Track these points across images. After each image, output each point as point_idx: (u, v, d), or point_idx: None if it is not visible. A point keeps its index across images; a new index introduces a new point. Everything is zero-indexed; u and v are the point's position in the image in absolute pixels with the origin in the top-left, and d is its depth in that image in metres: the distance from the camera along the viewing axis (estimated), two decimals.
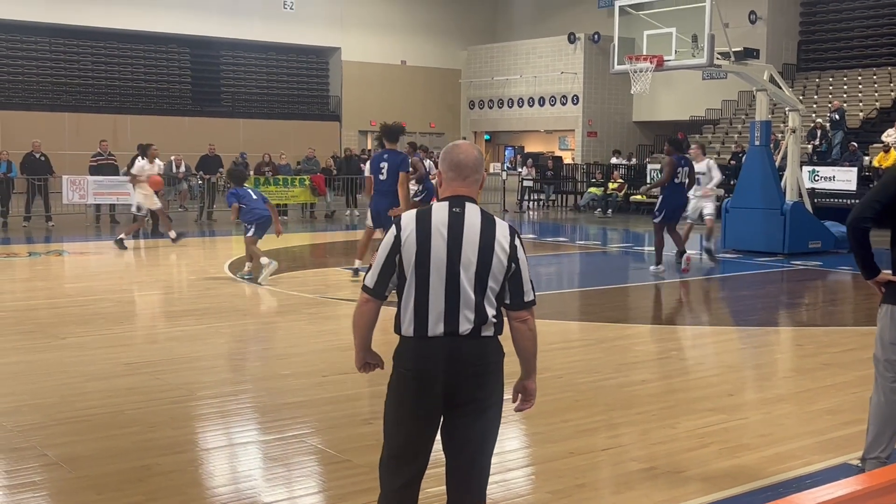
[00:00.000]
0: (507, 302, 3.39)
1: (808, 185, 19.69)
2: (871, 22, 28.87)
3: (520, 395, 3.61)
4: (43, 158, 20.39)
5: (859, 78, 28.38)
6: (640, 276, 14.28)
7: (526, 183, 27.89)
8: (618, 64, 15.42)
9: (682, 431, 5.68)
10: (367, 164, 12.22)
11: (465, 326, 3.26)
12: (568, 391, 6.63)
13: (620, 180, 26.23)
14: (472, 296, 3.26)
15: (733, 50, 14.97)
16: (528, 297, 3.41)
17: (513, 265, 3.34)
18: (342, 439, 5.50)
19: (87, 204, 20.82)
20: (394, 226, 3.34)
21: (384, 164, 11.13)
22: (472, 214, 3.32)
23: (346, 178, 23.46)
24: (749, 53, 15.56)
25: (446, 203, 3.35)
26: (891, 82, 27.38)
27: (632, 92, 15.31)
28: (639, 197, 25.51)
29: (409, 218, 3.34)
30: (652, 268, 12.91)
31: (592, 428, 5.80)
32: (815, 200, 19.05)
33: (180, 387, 6.68)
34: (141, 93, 35.18)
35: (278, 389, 6.67)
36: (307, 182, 22.86)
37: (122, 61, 35.09)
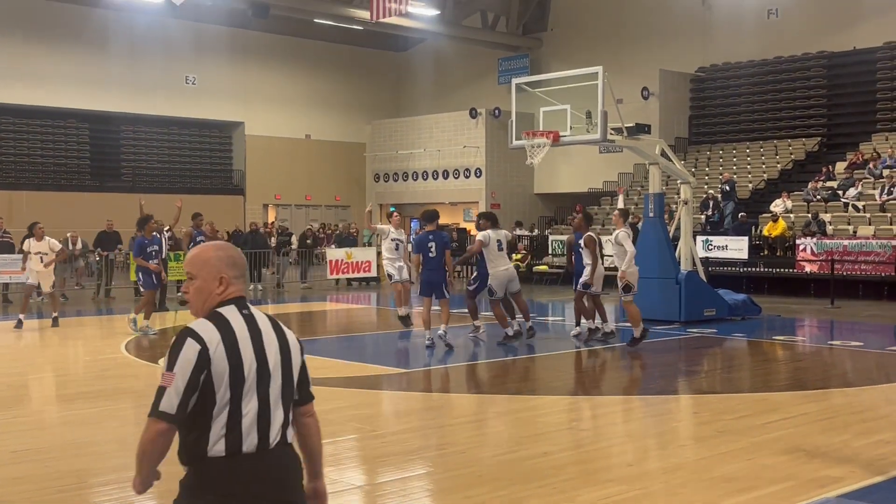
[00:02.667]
0: (296, 398, 3.20)
1: (701, 254, 20.35)
2: (756, 98, 30.36)
3: (313, 500, 3.29)
4: None
5: (747, 151, 29.69)
6: (543, 346, 14.44)
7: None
8: (516, 139, 15.80)
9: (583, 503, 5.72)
10: (413, 244, 13.62)
11: (278, 435, 3.07)
12: (471, 466, 6.62)
13: (524, 251, 26.64)
14: (281, 401, 3.09)
15: (626, 125, 15.52)
16: (311, 388, 3.29)
17: (301, 358, 3.22)
18: None
19: None
20: (193, 341, 2.99)
21: (432, 244, 12.68)
22: (259, 315, 3.15)
23: (252, 252, 23.22)
24: (641, 129, 16.15)
25: (233, 306, 3.12)
26: (777, 155, 28.71)
27: (527, 163, 15.68)
28: (542, 267, 25.93)
29: (209, 329, 3.02)
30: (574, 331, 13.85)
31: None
32: (709, 269, 19.67)
33: (71, 474, 6.43)
34: (38, 168, 34.39)
35: (175, 474, 6.48)
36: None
37: (18, 136, 34.31)
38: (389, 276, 15.57)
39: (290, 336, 3.19)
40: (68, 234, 21.81)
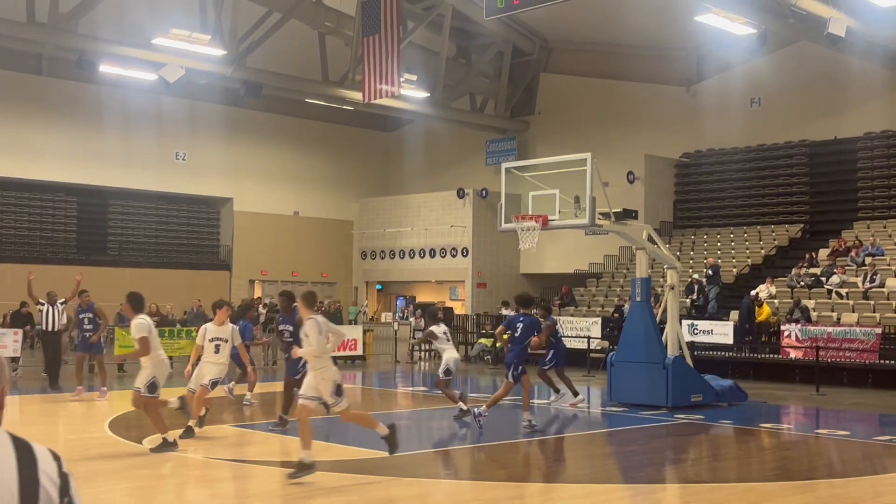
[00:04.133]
0: None
1: (687, 338, 20.41)
2: (740, 184, 30.85)
3: None
4: None
5: (732, 236, 30.04)
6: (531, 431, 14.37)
7: (417, 334, 28.00)
8: (505, 222, 15.96)
9: None
10: (504, 323, 14.49)
11: None
12: None
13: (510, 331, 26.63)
14: None
15: (613, 210, 15.72)
16: None
17: (66, 501, 2.30)
18: None
19: None
20: None
21: (520, 325, 13.38)
22: (1, 444, 2.29)
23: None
24: (628, 214, 16.36)
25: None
26: (761, 240, 29.05)
27: (520, 248, 15.81)
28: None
29: None
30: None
31: None
32: (695, 353, 19.73)
33: None
34: (24, 240, 34.38)
35: None
36: (194, 334, 22.41)
37: (5, 208, 34.37)
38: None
39: (52, 471, 2.31)
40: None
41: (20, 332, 20.43)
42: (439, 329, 14.77)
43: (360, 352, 25.45)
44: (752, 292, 24.30)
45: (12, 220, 34.39)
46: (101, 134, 34.56)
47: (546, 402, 16.26)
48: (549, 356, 16.17)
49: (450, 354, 14.47)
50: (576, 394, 16.03)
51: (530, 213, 15.28)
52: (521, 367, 13.24)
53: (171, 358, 22.32)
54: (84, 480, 9.06)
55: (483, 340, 27.13)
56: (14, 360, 20.47)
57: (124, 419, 13.61)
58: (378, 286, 41.18)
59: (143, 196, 36.93)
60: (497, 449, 12.08)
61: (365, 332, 26.55)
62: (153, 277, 34.18)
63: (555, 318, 14.95)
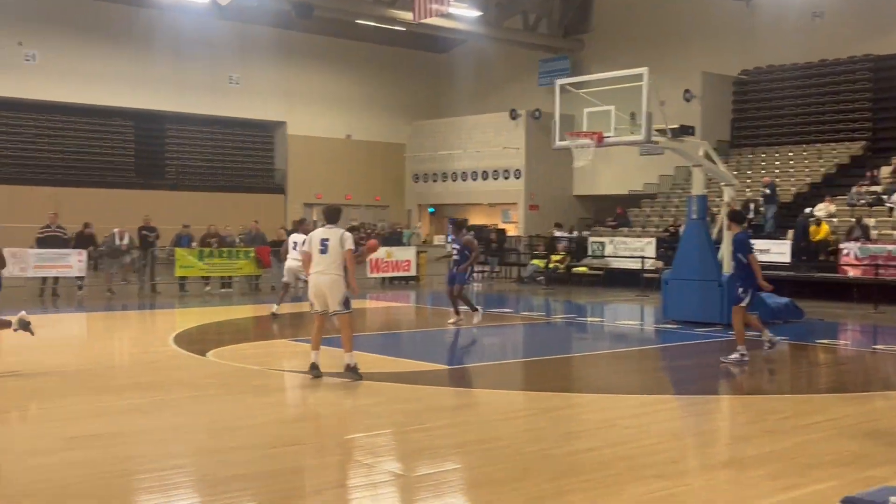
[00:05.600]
0: None
1: None
2: (800, 101, 30.09)
3: None
4: None
5: (791, 154, 29.44)
6: (582, 346, 14.52)
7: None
8: (559, 140, 15.85)
9: (628, 498, 5.80)
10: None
11: None
12: (516, 460, 6.72)
13: (563, 252, 26.65)
14: None
15: (670, 127, 15.52)
16: None
17: None
18: None
19: (27, 277, 20.54)
20: None
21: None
22: None
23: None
24: (685, 130, 16.13)
25: None
26: (821, 158, 28.44)
27: (574, 166, 15.73)
28: (581, 269, 25.93)
29: None
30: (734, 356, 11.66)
31: (541, 496, 5.88)
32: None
33: (127, 460, 6.63)
34: (84, 165, 34.99)
35: (225, 462, 6.66)
36: (252, 254, 22.84)
37: (66, 134, 34.95)
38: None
39: None
40: (115, 230, 22.16)
41: (84, 252, 20.94)
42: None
43: (413, 273, 25.69)
44: (806, 210, 23.94)
45: (73, 146, 34.99)
46: (154, 58, 34.80)
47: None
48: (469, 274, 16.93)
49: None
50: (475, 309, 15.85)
51: (585, 130, 15.15)
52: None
53: (230, 278, 22.95)
54: (154, 390, 9.42)
55: (536, 261, 27.18)
56: (79, 278, 21.08)
57: (187, 334, 14.01)
58: (430, 209, 41.29)
59: (198, 120, 37.27)
60: (551, 363, 12.23)
61: (418, 253, 26.73)
62: (210, 201, 34.69)
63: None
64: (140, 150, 36.67)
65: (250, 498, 5.77)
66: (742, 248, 11.81)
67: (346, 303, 9.79)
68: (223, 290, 22.59)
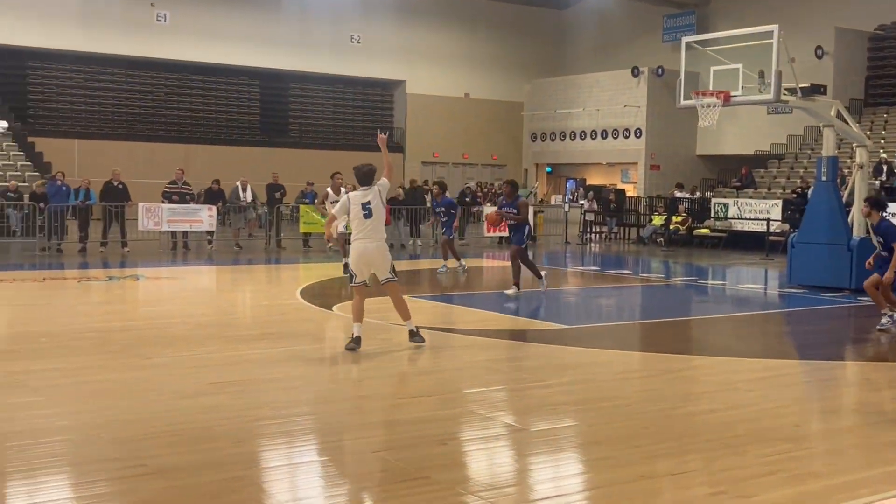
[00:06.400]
0: None
1: None
2: None
3: None
4: (121, 186, 21.13)
5: None
6: (703, 309, 14.36)
7: (588, 216, 27.99)
8: (684, 99, 15.56)
9: (750, 459, 5.81)
10: None
11: None
12: (635, 419, 6.79)
13: (684, 214, 26.21)
14: None
15: (800, 86, 15.03)
16: None
17: None
18: (419, 458, 5.74)
19: (161, 231, 21.51)
20: None
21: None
22: None
23: (411, 208, 23.83)
24: (816, 89, 15.59)
25: None
26: None
27: (700, 126, 15.44)
28: (703, 231, 25.46)
29: None
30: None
31: (661, 454, 5.94)
32: None
33: (263, 406, 6.99)
34: (212, 123, 36.21)
35: (355, 410, 6.96)
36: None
37: (194, 92, 36.21)
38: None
39: None
40: (238, 182, 22.91)
41: (214, 207, 21.77)
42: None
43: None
44: None
45: (201, 104, 36.22)
46: (280, 19, 35.60)
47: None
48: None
49: None
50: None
51: (711, 88, 14.82)
52: None
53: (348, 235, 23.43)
54: (283, 341, 9.83)
55: (656, 220, 26.80)
56: (209, 233, 21.95)
57: (312, 288, 14.49)
58: (548, 168, 41.11)
59: (321, 79, 38.03)
60: (670, 325, 12.16)
61: (536, 213, 26.71)
62: (331, 158, 35.34)
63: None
64: (265, 108, 37.70)
65: (377, 445, 6.03)
66: (893, 235, 10.80)
67: (393, 269, 9.29)
68: (348, 247, 23.12)
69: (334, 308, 12.18)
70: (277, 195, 23.11)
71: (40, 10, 31.80)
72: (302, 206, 22.87)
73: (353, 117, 39.49)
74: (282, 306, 12.59)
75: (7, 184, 23.13)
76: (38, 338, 9.65)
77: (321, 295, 13.69)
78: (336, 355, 9.20)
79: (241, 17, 35.16)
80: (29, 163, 27.39)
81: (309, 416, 6.75)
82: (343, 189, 14.84)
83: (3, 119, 28.99)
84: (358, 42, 37.98)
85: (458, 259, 17.03)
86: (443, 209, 17.63)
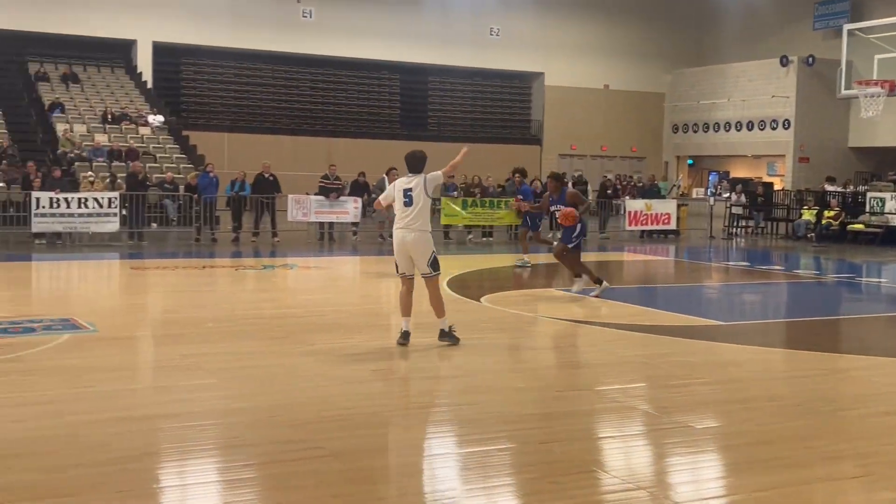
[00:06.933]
0: None
1: None
2: None
3: None
4: (272, 178, 21.84)
5: None
6: (863, 307, 13.77)
7: (735, 210, 27.21)
8: (844, 89, 14.94)
9: None
10: None
11: None
12: (808, 418, 6.57)
13: (837, 209, 25.16)
14: None
15: None
16: None
17: None
18: (584, 450, 5.72)
19: (309, 222, 22.13)
20: None
21: None
22: None
23: None
24: None
25: None
26: None
27: (862, 116, 14.81)
28: (858, 226, 24.37)
29: None
30: None
31: (837, 455, 5.74)
32: None
33: (423, 394, 7.12)
34: (353, 117, 36.97)
35: (516, 401, 6.99)
36: (512, 204, 23.29)
37: (337, 87, 37.04)
38: None
39: None
40: (384, 175, 23.26)
41: (359, 199, 22.23)
42: None
43: (673, 226, 25.23)
44: None
45: (344, 98, 37.04)
46: (421, 13, 36.02)
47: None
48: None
49: None
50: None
51: (875, 78, 14.18)
52: None
53: (490, 227, 23.56)
54: (432, 330, 9.95)
55: (806, 214, 25.81)
56: (354, 224, 22.44)
57: (458, 280, 14.62)
58: (689, 161, 40.20)
59: (459, 72, 38.27)
60: (830, 323, 11.71)
61: (679, 206, 26.17)
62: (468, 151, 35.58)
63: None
64: (405, 102, 38.22)
65: (543, 437, 6.04)
66: None
67: (434, 263, 8.82)
68: (483, 239, 23.27)
69: (482, 300, 12.27)
70: None
71: (193, 10, 33.17)
72: (444, 199, 23.10)
73: (491, 110, 39.60)
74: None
75: (164, 175, 24.23)
76: (205, 322, 10.11)
77: (467, 286, 13.80)
78: (489, 346, 9.26)
79: (383, 13, 35.76)
80: (183, 155, 28.61)
81: (471, 406, 6.81)
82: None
83: (159, 114, 30.39)
84: (497, 35, 38.06)
85: (526, 252, 16.74)
86: (521, 197, 17.54)
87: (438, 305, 8.89)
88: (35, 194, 19.42)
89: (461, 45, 36.90)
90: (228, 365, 7.95)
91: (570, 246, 12.64)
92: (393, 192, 8.78)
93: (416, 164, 8.72)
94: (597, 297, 12.35)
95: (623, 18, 39.53)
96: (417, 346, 8.95)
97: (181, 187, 22.85)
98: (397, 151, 33.25)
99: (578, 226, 12.53)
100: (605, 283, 12.65)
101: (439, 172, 8.84)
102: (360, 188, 22.88)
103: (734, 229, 27.03)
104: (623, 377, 7.98)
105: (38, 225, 19.39)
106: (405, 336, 8.72)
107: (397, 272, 8.95)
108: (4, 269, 15.79)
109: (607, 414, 6.68)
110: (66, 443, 5.54)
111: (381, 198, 9.11)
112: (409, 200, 8.55)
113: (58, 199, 19.42)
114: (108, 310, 11.24)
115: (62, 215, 19.47)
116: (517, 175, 16.37)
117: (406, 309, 8.80)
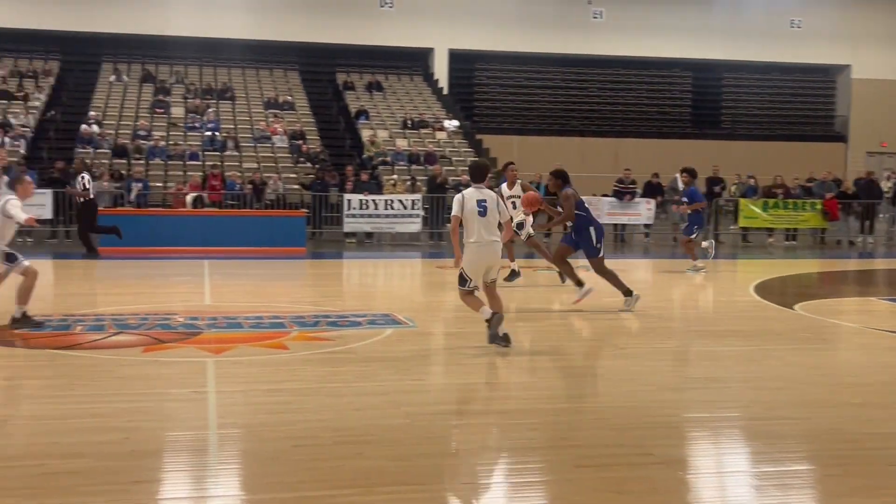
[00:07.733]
0: None
1: None
2: None
3: None
4: None
5: None
6: None
7: None
8: None
9: None
10: None
11: None
12: None
13: None
14: None
15: None
16: None
17: None
18: None
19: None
20: None
21: None
22: None
23: (864, 202, 22.12)
24: None
25: None
26: None
27: None
28: None
29: None
30: None
31: None
32: None
33: (744, 406, 6.81)
34: (642, 117, 36.48)
35: (855, 418, 6.50)
36: (819, 206, 21.96)
37: (626, 87, 36.71)
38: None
39: None
40: (676, 175, 22.70)
41: (652, 201, 21.89)
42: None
43: None
44: None
45: (633, 98, 36.64)
46: (712, 7, 34.92)
47: None
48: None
49: None
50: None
51: None
52: None
53: (794, 230, 22.35)
54: (753, 339, 9.53)
55: None
56: (646, 226, 22.10)
57: (765, 285, 13.98)
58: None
59: (754, 67, 36.67)
60: None
61: None
62: (763, 150, 34.05)
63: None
64: (697, 99, 37.19)
65: (892, 458, 5.58)
66: None
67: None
68: (786, 243, 22.13)
69: (796, 307, 11.62)
70: (717, 189, 22.68)
71: (486, 17, 34.13)
72: (742, 200, 22.23)
73: (789, 106, 37.55)
74: (738, 303, 12.31)
75: (459, 178, 25.11)
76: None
77: (777, 292, 13.17)
78: (812, 357, 8.73)
79: (673, 10, 34.96)
80: (477, 158, 29.55)
81: (787, 421, 6.41)
82: (518, 182, 13.42)
83: (454, 118, 31.55)
84: (798, 26, 36.01)
85: (695, 258, 15.75)
86: (686, 200, 15.88)
87: (496, 305, 8.49)
88: (346, 196, 20.84)
89: (757, 38, 35.33)
90: (547, 365, 8.07)
91: (600, 256, 11.18)
92: (462, 201, 8.42)
93: (479, 174, 8.59)
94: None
95: None
96: (735, 354, 8.62)
97: None
98: (686, 150, 32.67)
99: (591, 228, 11.25)
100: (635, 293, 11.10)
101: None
102: (653, 189, 22.52)
103: None
104: None
105: (349, 225, 20.80)
106: (504, 338, 8.33)
107: (468, 286, 8.51)
108: (323, 266, 17.08)
109: None
110: (407, 432, 5.85)
111: (455, 212, 8.47)
112: (483, 210, 8.34)
113: (367, 201, 20.73)
114: (423, 305, 11.80)
115: (370, 216, 20.76)
116: (685, 175, 15.26)
117: (478, 305, 8.52)
